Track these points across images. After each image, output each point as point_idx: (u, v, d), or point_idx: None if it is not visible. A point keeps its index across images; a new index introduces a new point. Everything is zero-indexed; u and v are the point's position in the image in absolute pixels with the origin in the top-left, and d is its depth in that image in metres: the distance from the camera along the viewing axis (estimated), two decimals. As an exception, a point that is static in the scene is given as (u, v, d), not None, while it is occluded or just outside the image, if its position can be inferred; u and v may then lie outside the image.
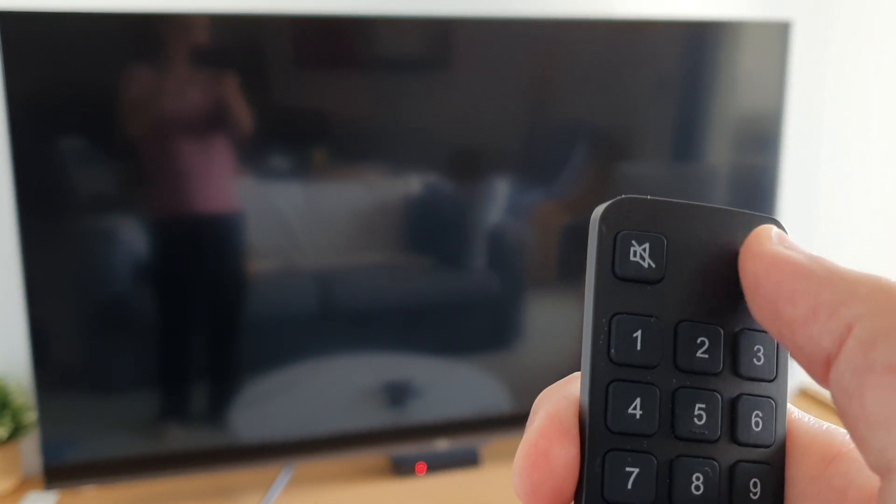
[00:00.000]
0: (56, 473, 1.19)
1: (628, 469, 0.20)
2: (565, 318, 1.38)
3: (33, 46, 1.08)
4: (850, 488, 0.20)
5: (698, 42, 1.35)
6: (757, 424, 0.21)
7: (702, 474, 0.21)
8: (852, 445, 0.20)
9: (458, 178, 1.29)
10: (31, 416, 1.32)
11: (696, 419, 0.21)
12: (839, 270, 0.20)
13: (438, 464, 1.40)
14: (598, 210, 0.22)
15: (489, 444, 1.48)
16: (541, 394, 0.23)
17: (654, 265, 0.21)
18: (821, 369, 0.19)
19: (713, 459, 0.21)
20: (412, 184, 1.27)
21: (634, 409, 0.21)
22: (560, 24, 1.28)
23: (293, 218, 1.23)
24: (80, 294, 1.16)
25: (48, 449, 1.18)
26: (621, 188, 1.37)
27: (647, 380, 0.21)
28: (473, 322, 1.35)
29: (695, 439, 0.21)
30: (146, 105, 1.14)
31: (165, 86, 1.14)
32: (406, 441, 1.34)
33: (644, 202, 0.22)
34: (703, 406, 0.21)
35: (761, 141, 1.43)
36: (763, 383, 0.22)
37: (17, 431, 1.32)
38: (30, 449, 1.41)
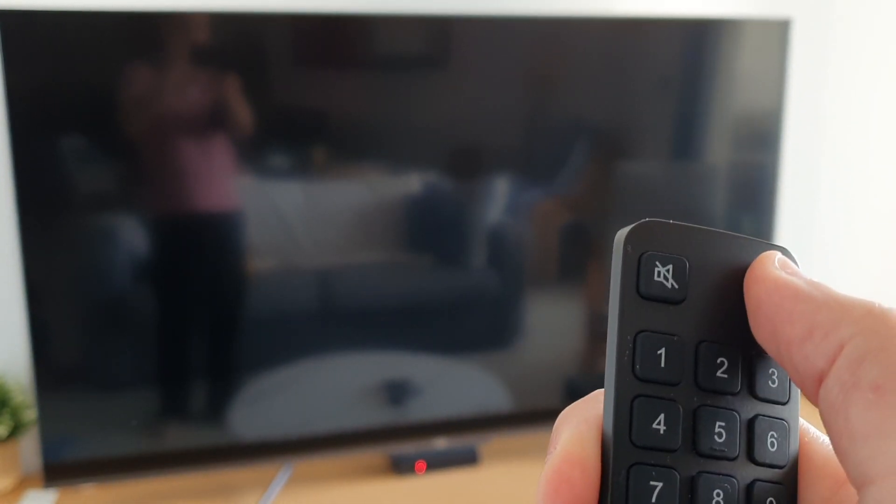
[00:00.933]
0: (55, 472, 1.19)
1: (652, 483, 0.21)
2: (564, 317, 1.38)
3: (34, 45, 1.08)
4: None
5: (698, 40, 1.35)
6: (772, 445, 0.22)
7: (722, 490, 0.21)
8: None
9: (457, 176, 1.29)
10: (31, 414, 1.33)
11: (716, 437, 0.22)
12: (836, 295, 0.20)
13: (438, 462, 1.40)
14: (623, 232, 0.23)
15: (488, 443, 1.49)
16: (561, 415, 0.23)
17: (676, 286, 0.22)
18: (813, 387, 0.20)
19: (732, 477, 0.22)
20: (412, 182, 1.27)
21: (658, 424, 0.21)
22: (559, 23, 1.28)
23: (293, 217, 1.23)
24: (80, 292, 1.16)
25: (47, 447, 1.18)
26: (621, 187, 1.37)
27: (670, 396, 0.22)
28: (473, 321, 1.35)
29: (715, 456, 0.22)
30: (146, 103, 1.14)
31: (165, 84, 1.14)
32: (405, 440, 1.34)
33: (667, 226, 0.23)
34: (724, 424, 0.22)
35: (761, 139, 1.43)
36: (777, 405, 0.23)
37: (16, 430, 1.32)
38: (29, 447, 1.41)
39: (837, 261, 1.88)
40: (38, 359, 1.16)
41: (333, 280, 1.27)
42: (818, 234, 1.85)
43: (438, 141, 1.27)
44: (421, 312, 1.31)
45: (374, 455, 1.46)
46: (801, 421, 0.23)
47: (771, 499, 0.22)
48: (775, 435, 0.22)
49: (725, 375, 0.22)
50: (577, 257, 1.38)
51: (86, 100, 1.11)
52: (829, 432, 0.19)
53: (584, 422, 0.22)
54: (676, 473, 0.21)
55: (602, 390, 0.22)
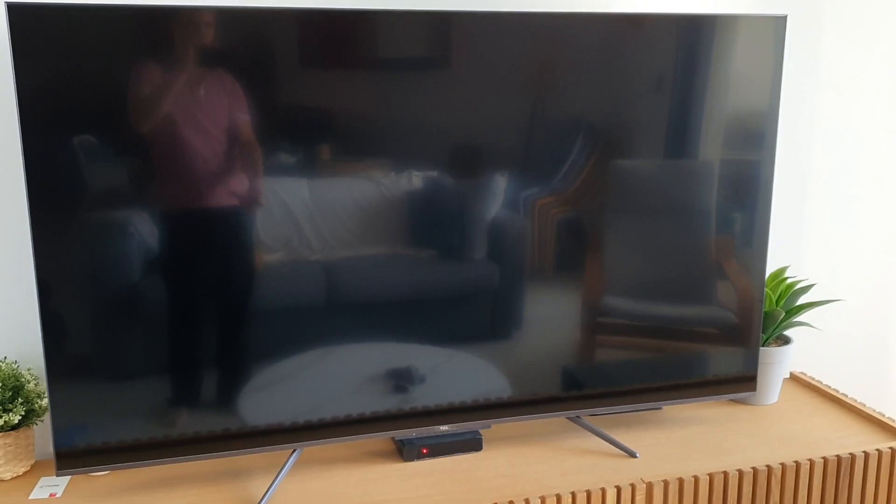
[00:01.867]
0: (68, 458, 1.22)
1: None
2: (562, 308, 1.42)
3: (42, 39, 1.10)
4: None
5: (694, 36, 1.38)
6: None
7: None
8: None
9: (458, 172, 1.32)
10: (44, 402, 1.35)
11: None
12: None
13: (441, 447, 1.44)
14: None
15: (490, 429, 1.53)
16: None
17: None
18: None
19: None
20: (415, 178, 1.30)
21: None
22: (556, 19, 1.30)
23: (300, 212, 1.26)
24: (93, 284, 1.18)
25: (60, 434, 1.21)
26: (618, 182, 1.40)
27: None
28: (474, 312, 1.38)
29: None
30: (155, 99, 1.16)
31: (173, 80, 1.16)
32: (410, 425, 1.37)
33: None
34: None
35: (756, 135, 1.46)
36: None
37: (29, 417, 1.35)
38: (42, 434, 1.44)
39: (830, 256, 1.92)
40: (50, 347, 1.18)
41: (340, 273, 1.30)
42: (811, 229, 1.89)
43: (440, 138, 1.30)
44: (424, 304, 1.35)
45: (380, 440, 1.50)
46: None
47: None
48: None
49: None
50: (574, 251, 1.41)
51: (95, 94, 1.13)
52: None
53: None
54: None
55: None
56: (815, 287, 1.90)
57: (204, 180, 1.20)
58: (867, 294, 1.99)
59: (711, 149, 1.44)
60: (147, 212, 1.19)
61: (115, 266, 1.19)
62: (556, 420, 1.59)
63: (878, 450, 1.47)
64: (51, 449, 1.43)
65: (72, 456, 1.22)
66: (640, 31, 1.35)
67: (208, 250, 1.23)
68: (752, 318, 1.53)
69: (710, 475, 1.38)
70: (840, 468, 1.45)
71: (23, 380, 1.34)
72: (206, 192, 1.21)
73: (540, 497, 1.30)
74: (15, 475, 1.36)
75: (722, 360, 1.53)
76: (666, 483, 1.36)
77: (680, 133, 1.42)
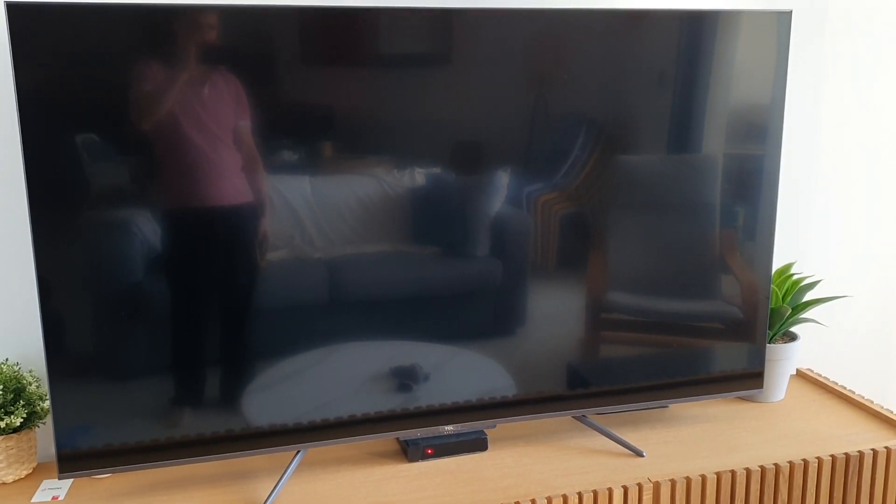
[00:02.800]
0: (70, 460, 1.21)
1: None
2: (567, 305, 1.40)
3: (42, 38, 1.09)
4: None
5: (698, 32, 1.37)
6: None
7: None
8: None
9: (461, 169, 1.31)
10: (46, 404, 1.35)
11: None
12: None
13: (446, 447, 1.43)
14: None
15: (495, 428, 1.52)
16: None
17: None
18: None
19: None
20: (418, 175, 1.29)
21: None
22: (559, 14, 1.29)
23: (303, 209, 1.25)
24: (94, 284, 1.18)
25: (62, 436, 1.20)
26: (621, 177, 1.39)
27: None
28: (478, 309, 1.37)
29: None
30: (156, 97, 1.15)
31: (175, 78, 1.15)
32: (415, 425, 1.37)
33: None
34: None
35: (761, 130, 1.45)
36: None
37: (31, 419, 1.34)
38: (44, 437, 1.43)
39: (837, 252, 1.91)
40: (52, 349, 1.18)
41: (343, 271, 1.29)
42: (817, 225, 1.88)
43: (443, 134, 1.29)
44: (428, 301, 1.34)
45: (384, 440, 1.49)
46: None
47: None
48: None
49: None
50: (578, 247, 1.40)
51: (95, 93, 1.12)
52: None
53: None
54: None
55: None
56: (821, 283, 1.89)
57: (206, 178, 1.19)
58: (874, 290, 1.98)
59: (716, 144, 1.43)
60: (149, 210, 1.18)
61: (116, 266, 1.18)
62: (562, 419, 1.58)
63: (886, 447, 1.46)
64: (53, 451, 1.42)
65: (74, 458, 1.22)
66: (643, 27, 1.34)
67: (210, 249, 1.22)
68: (759, 315, 1.52)
69: (718, 474, 1.37)
70: (848, 466, 1.44)
71: (24, 382, 1.33)
72: (209, 190, 1.20)
73: (546, 497, 1.29)
74: (17, 478, 1.35)
75: (728, 356, 1.52)
76: (673, 482, 1.34)
77: (685, 129, 1.41)
